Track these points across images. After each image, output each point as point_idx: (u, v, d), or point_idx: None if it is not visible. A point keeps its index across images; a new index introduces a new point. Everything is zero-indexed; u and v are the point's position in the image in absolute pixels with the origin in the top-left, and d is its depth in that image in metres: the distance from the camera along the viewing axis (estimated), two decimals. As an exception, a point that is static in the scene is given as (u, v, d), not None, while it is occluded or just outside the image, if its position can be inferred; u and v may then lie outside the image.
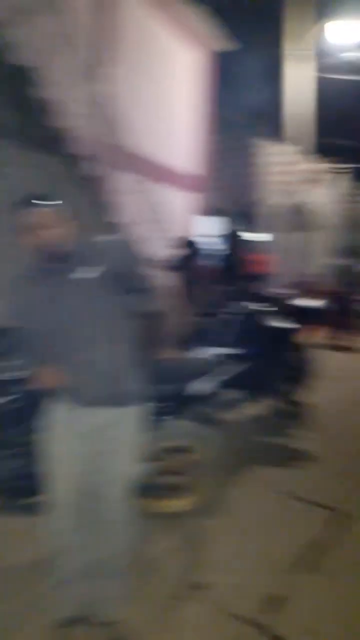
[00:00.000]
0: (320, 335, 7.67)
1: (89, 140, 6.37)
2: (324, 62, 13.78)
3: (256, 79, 13.29)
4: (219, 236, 8.51)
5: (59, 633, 2.03)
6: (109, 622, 2.06)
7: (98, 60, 7.04)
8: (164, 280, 6.40)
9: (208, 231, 8.73)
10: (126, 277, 1.94)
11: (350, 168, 15.86)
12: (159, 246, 7.04)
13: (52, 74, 5.75)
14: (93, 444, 1.97)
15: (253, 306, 4.47)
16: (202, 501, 2.98)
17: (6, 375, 2.56)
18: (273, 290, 6.17)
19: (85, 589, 2.03)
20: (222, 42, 10.17)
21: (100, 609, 2.07)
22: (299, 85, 13.78)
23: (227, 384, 3.56)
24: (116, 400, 1.97)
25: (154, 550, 2.62)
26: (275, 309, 4.62)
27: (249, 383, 3.94)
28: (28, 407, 2.26)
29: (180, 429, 3.05)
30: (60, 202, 1.94)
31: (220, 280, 6.86)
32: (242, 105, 11.77)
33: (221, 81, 10.78)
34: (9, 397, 2.56)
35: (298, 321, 4.63)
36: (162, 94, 8.87)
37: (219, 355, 3.70)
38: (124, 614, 2.09)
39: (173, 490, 2.93)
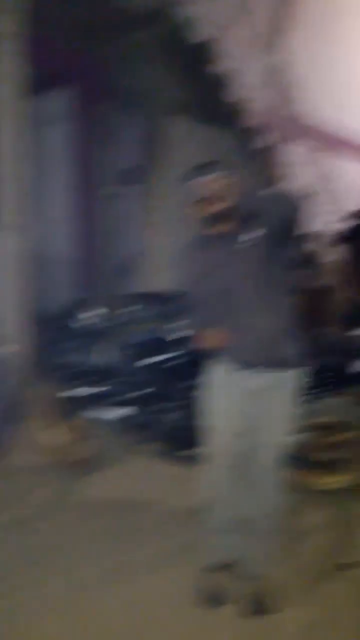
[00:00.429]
0: None
1: (265, 112, 6.29)
2: None
3: None
4: None
5: (206, 576, 2.18)
6: (255, 577, 2.14)
7: (276, 28, 6.85)
8: (334, 254, 6.14)
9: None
10: (289, 232, 1.92)
11: None
12: (331, 219, 6.75)
13: (230, 47, 5.76)
14: (250, 405, 2.03)
15: None
16: (356, 481, 2.88)
17: (174, 335, 2.75)
18: None
19: (234, 541, 2.13)
20: None
21: (248, 563, 2.16)
22: None
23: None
24: (274, 364, 2.00)
25: (304, 523, 2.62)
26: None
27: None
28: (192, 364, 2.41)
29: (340, 406, 2.96)
30: (228, 172, 1.99)
31: None
32: None
33: None
34: (176, 355, 2.75)
35: None
36: (344, 57, 8.32)
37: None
38: (269, 574, 2.15)
39: (328, 467, 2.88)
